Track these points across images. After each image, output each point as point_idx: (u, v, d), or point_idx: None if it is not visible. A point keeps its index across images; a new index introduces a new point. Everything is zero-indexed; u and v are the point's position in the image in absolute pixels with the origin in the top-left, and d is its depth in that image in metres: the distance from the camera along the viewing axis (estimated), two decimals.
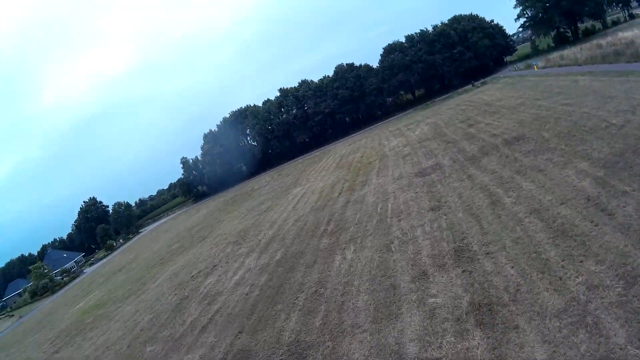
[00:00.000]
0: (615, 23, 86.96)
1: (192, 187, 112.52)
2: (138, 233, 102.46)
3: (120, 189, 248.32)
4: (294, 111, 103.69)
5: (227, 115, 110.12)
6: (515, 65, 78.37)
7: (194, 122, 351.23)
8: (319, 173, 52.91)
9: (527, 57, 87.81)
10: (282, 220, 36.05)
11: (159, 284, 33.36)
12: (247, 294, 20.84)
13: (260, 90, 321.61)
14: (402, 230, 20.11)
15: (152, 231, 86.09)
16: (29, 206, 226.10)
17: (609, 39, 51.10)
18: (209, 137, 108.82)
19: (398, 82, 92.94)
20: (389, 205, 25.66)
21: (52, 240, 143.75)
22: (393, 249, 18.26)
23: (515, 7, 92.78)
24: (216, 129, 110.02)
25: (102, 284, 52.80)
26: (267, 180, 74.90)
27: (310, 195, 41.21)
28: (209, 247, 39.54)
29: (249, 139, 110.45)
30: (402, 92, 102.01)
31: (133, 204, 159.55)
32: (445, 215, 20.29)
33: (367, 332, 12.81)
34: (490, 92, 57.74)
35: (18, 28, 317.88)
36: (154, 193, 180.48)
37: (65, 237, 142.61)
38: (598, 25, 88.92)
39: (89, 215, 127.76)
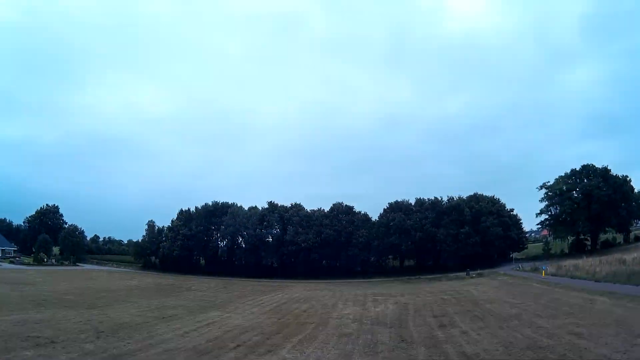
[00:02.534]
0: (638, 239, 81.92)
1: (145, 254, 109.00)
2: (75, 265, 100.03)
3: (112, 223, 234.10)
4: (274, 231, 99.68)
5: (210, 204, 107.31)
6: (520, 265, 71.80)
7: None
8: (251, 308, 47.03)
9: (535, 258, 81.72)
10: (157, 342, 28.50)
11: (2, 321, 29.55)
12: None
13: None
14: None
15: (84, 272, 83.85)
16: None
17: (635, 255, 44.68)
18: (183, 216, 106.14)
19: (390, 244, 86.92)
20: None
21: (4, 218, 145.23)
22: None
23: (541, 200, 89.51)
24: (194, 210, 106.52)
25: None
26: (210, 286, 72.00)
27: (214, 331, 33.91)
28: (80, 320, 33.69)
29: (219, 235, 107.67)
30: (390, 257, 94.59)
31: (101, 239, 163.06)
32: None
33: None
34: (484, 288, 50.78)
35: None
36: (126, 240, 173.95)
37: (15, 225, 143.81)
38: (619, 238, 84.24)
39: (43, 219, 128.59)
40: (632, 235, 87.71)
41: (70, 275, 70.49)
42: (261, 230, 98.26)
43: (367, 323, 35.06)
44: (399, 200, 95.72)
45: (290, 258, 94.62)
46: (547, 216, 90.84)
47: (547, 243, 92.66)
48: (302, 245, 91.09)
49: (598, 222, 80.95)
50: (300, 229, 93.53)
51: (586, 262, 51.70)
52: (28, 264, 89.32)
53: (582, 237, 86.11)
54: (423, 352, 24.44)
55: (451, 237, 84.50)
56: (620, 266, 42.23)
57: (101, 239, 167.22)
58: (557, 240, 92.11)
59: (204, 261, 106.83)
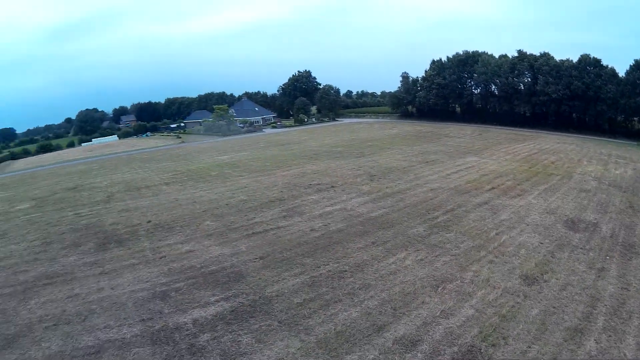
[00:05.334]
0: None
1: (402, 104, 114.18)
2: (334, 120, 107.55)
3: (361, 78, 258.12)
4: (525, 79, 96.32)
5: (461, 52, 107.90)
6: None
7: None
8: (505, 155, 48.51)
9: None
10: (423, 183, 32.50)
11: (282, 176, 34.64)
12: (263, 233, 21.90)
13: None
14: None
15: (344, 125, 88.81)
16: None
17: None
18: (435, 65, 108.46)
19: (637, 105, 78.46)
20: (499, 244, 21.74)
21: (257, 91, 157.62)
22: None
23: None
24: (446, 60, 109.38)
25: (256, 148, 55.15)
26: (466, 133, 72.28)
27: (471, 174, 37.17)
28: (352, 167, 37.68)
29: (472, 84, 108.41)
30: (635, 119, 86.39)
31: (354, 94, 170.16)
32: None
33: None
34: None
35: None
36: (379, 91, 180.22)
37: (270, 94, 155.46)
38: None
39: (297, 84, 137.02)
40: None
41: (332, 130, 72.44)
42: (512, 79, 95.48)
43: (605, 183, 36.51)
44: None
45: (541, 108, 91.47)
46: None
47: None
48: (553, 96, 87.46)
49: None
50: (550, 79, 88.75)
51: None
52: (289, 126, 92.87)
53: None
54: None
55: None
56: None
57: (354, 93, 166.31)
58: None
59: (459, 109, 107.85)
